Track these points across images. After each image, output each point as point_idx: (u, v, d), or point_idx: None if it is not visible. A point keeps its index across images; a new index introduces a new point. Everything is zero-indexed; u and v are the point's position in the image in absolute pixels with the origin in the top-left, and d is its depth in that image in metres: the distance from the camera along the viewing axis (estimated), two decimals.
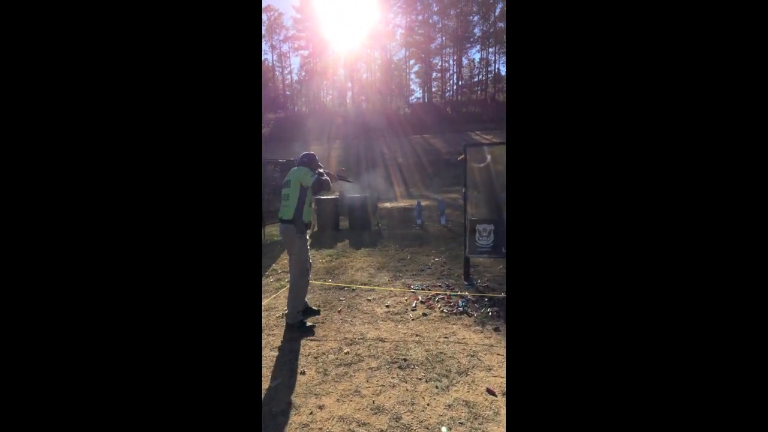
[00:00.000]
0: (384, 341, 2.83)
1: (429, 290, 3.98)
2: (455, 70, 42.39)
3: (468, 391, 2.15)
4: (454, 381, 2.26)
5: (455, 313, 3.34)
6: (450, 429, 1.85)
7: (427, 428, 1.86)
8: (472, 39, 40.60)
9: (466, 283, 4.23)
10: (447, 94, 43.17)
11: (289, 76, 47.14)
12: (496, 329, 2.98)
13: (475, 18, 40.01)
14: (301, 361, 2.58)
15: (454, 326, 3.07)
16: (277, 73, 45.78)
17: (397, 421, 1.92)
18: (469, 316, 3.28)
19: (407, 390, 2.18)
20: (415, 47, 42.33)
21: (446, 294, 3.82)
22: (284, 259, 5.21)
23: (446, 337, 2.87)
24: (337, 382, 2.30)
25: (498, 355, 2.57)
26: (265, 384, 2.31)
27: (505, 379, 2.24)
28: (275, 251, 6.05)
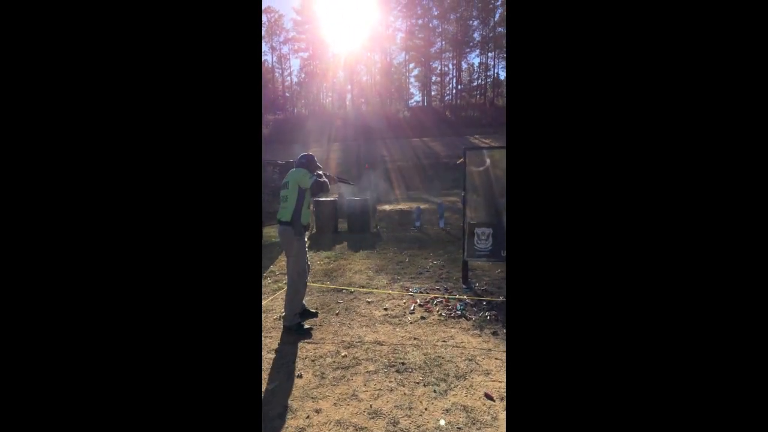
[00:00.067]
0: (382, 344, 2.82)
1: (427, 293, 3.97)
2: (455, 74, 42.56)
3: (466, 396, 2.14)
4: (452, 385, 2.25)
5: (453, 317, 3.32)
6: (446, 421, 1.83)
7: None
8: (471, 43, 40.78)
9: (464, 286, 4.22)
10: (446, 97, 43.31)
11: (288, 78, 47.23)
12: (494, 333, 2.97)
13: (475, 23, 40.21)
14: (298, 364, 2.56)
15: (453, 330, 3.06)
16: (276, 74, 45.83)
17: (394, 425, 1.90)
18: (468, 319, 3.27)
19: (405, 394, 2.17)
20: (415, 51, 42.47)
21: (444, 297, 3.81)
22: (282, 261, 5.19)
23: (444, 341, 2.85)
24: (334, 385, 2.28)
25: (496, 359, 2.55)
26: (262, 387, 2.29)
27: (503, 384, 2.23)
28: (273, 253, 6.03)
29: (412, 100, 44.93)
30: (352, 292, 4.08)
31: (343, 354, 2.67)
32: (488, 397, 2.12)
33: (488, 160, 4.31)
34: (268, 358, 2.64)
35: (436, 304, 3.63)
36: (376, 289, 4.19)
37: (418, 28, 42.15)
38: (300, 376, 2.39)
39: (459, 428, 1.87)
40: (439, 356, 2.60)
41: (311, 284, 4.17)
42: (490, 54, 40.14)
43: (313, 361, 2.59)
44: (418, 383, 2.28)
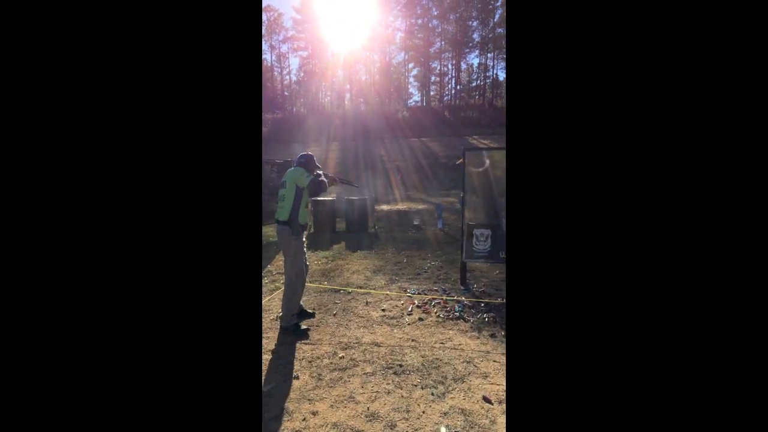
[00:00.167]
0: (379, 346, 2.80)
1: (425, 295, 3.95)
2: (454, 74, 42.63)
3: (464, 399, 2.12)
4: (450, 388, 2.23)
5: (451, 319, 3.31)
6: (447, 428, 1.82)
7: None
8: (471, 44, 40.86)
9: (462, 288, 4.21)
10: (445, 98, 43.37)
11: (287, 77, 47.20)
12: (493, 335, 2.96)
13: (475, 23, 40.30)
14: (295, 365, 2.53)
15: (451, 332, 3.05)
16: (275, 73, 45.77)
17: (392, 429, 1.88)
18: (466, 321, 3.25)
19: (402, 397, 2.15)
20: (415, 51, 42.51)
21: (443, 299, 3.80)
22: (280, 261, 5.16)
23: (442, 343, 2.84)
24: (331, 387, 2.26)
25: (494, 362, 2.54)
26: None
27: (501, 387, 2.22)
28: (271, 252, 6.01)
29: (411, 100, 45.00)
30: (349, 293, 4.06)
31: (340, 355, 2.65)
32: (486, 400, 2.10)
33: (487, 161, 4.30)
34: (264, 359, 2.62)
35: (434, 306, 3.61)
36: (374, 289, 4.17)
37: (417, 28, 42.21)
38: (297, 378, 2.37)
39: None
40: (437, 358, 2.59)
41: (309, 284, 4.15)
42: (489, 55, 40.24)
43: (310, 362, 2.57)
44: (415, 386, 2.26)
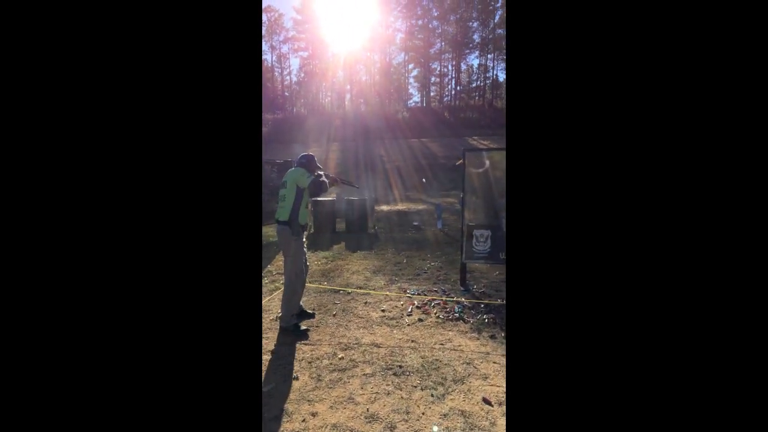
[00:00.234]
0: (379, 347, 2.79)
1: (425, 295, 3.95)
2: (454, 75, 42.64)
3: (464, 400, 2.11)
4: (450, 389, 2.22)
5: (451, 319, 3.30)
6: (440, 426, 1.81)
7: None
8: (471, 45, 40.87)
9: (462, 288, 4.21)
10: (445, 98, 43.37)
11: (288, 77, 47.18)
12: (493, 337, 2.95)
13: (475, 24, 40.31)
14: (295, 365, 2.53)
15: (450, 333, 3.04)
16: (276, 73, 45.76)
17: (391, 430, 1.87)
18: (465, 322, 3.25)
19: (402, 398, 2.14)
20: (415, 51, 42.52)
21: (442, 299, 3.79)
22: (279, 261, 5.15)
23: (442, 344, 2.83)
24: (330, 388, 2.25)
25: (494, 363, 2.53)
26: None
27: (501, 389, 2.21)
28: (271, 252, 6.00)
29: (411, 101, 45.00)
30: (349, 293, 4.05)
31: (340, 356, 2.64)
32: (486, 401, 2.10)
33: (487, 162, 4.29)
34: (264, 359, 2.61)
35: (433, 306, 3.61)
36: (374, 290, 4.16)
37: (417, 29, 42.22)
38: (296, 378, 2.36)
39: None
40: (436, 359, 2.58)
41: (308, 285, 4.15)
42: (489, 56, 40.25)
43: (309, 363, 2.56)
44: (415, 387, 2.25)
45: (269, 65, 44.72)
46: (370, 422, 1.94)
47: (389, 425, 1.91)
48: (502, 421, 1.92)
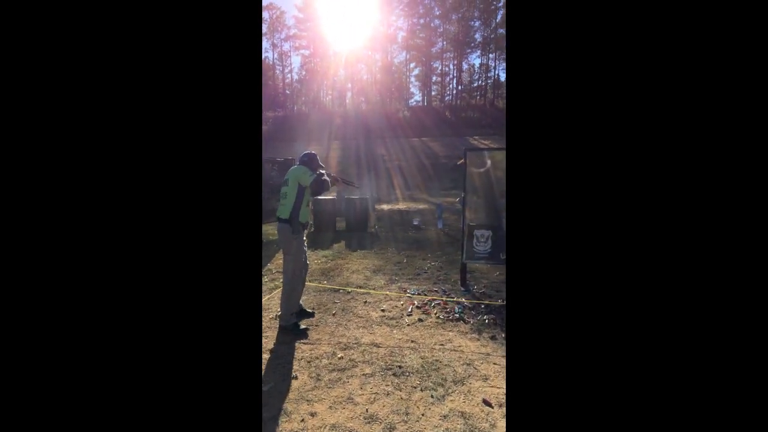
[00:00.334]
0: (379, 347, 2.78)
1: (425, 295, 3.93)
2: (455, 74, 42.56)
3: (464, 402, 2.10)
4: (450, 390, 2.21)
5: (451, 320, 3.29)
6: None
7: None
8: (472, 44, 40.78)
9: (462, 289, 4.19)
10: (446, 98, 43.30)
11: (289, 75, 47.12)
12: (493, 338, 2.94)
13: (477, 23, 40.23)
14: (294, 365, 2.52)
15: (450, 333, 3.03)
16: (277, 71, 45.70)
17: (390, 431, 1.86)
18: (466, 323, 3.24)
19: (402, 399, 2.13)
20: (416, 50, 42.44)
21: (443, 300, 3.78)
22: (279, 259, 5.14)
23: (442, 345, 2.82)
24: (330, 388, 2.24)
25: (495, 364, 2.52)
26: None
27: (501, 390, 2.20)
28: (270, 251, 5.99)
29: (412, 100, 44.94)
30: (349, 293, 4.04)
31: (339, 356, 2.63)
32: (487, 403, 2.08)
33: (489, 162, 4.27)
34: (263, 358, 2.60)
35: (434, 307, 3.59)
36: (374, 289, 4.15)
37: (419, 28, 42.14)
38: (295, 378, 2.35)
39: None
40: (436, 360, 2.57)
41: (308, 283, 4.13)
42: (491, 55, 40.17)
43: (309, 362, 2.55)
44: (415, 387, 2.24)
45: (271, 63, 44.67)
46: (369, 423, 1.92)
47: (389, 426, 1.89)
48: (502, 423, 1.91)
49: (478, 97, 41.41)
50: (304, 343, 2.83)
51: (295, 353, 2.68)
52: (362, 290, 4.12)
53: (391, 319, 3.32)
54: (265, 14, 43.48)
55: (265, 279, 4.55)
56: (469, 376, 2.37)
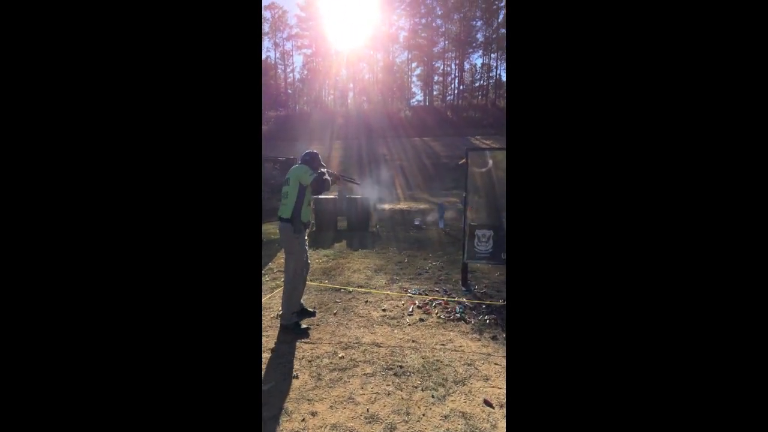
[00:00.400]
0: (380, 346, 2.78)
1: (426, 295, 3.93)
2: (457, 74, 42.52)
3: (465, 402, 2.10)
4: (451, 390, 2.21)
5: (452, 320, 3.28)
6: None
7: None
8: (474, 44, 40.74)
9: (463, 288, 4.19)
10: (448, 97, 43.26)
11: (291, 75, 47.13)
12: (494, 338, 2.93)
13: (479, 23, 40.18)
14: (295, 364, 2.51)
15: (451, 333, 3.02)
16: (279, 70, 45.73)
17: (391, 431, 1.86)
18: (467, 323, 3.23)
19: (402, 398, 2.13)
20: (418, 50, 42.41)
21: (444, 299, 3.77)
22: (281, 258, 5.14)
23: (443, 344, 2.82)
24: (330, 387, 2.24)
25: (496, 364, 2.51)
26: None
27: (502, 390, 2.19)
28: (272, 250, 5.99)
29: (414, 100, 44.90)
30: (350, 292, 4.04)
31: (340, 355, 2.63)
32: (487, 403, 2.08)
33: (491, 161, 4.27)
34: (264, 357, 2.60)
35: (435, 306, 3.59)
36: (375, 289, 4.15)
37: (421, 27, 42.10)
38: (296, 377, 2.35)
39: None
40: (437, 360, 2.56)
41: (309, 283, 4.13)
42: (492, 55, 40.12)
43: (309, 361, 2.55)
44: (416, 387, 2.24)
45: (273, 62, 44.70)
46: (370, 423, 1.92)
47: (389, 426, 1.89)
48: (503, 424, 1.90)
49: (479, 97, 41.35)
50: (305, 343, 2.83)
51: (296, 352, 2.68)
52: (363, 290, 4.12)
53: (392, 318, 3.31)
54: (267, 13, 43.52)
55: (266, 278, 4.56)
56: (470, 376, 2.37)
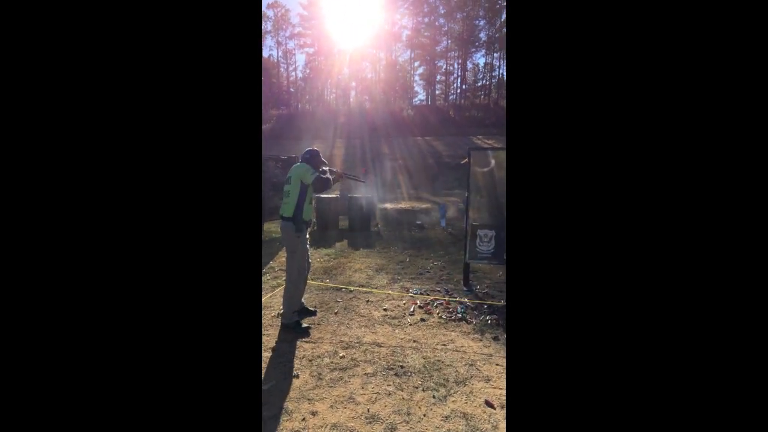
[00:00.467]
0: (381, 346, 2.77)
1: (427, 295, 3.92)
2: (459, 73, 42.43)
3: (466, 403, 2.09)
4: (452, 391, 2.20)
5: (454, 320, 3.27)
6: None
7: None
8: (477, 43, 40.62)
9: (465, 288, 4.17)
10: (450, 97, 43.16)
11: (293, 73, 47.13)
12: (495, 338, 2.92)
13: (481, 23, 40.06)
14: (295, 363, 2.51)
15: (453, 333, 3.01)
16: (282, 69, 45.73)
17: (392, 431, 1.85)
18: (468, 323, 3.22)
19: (403, 399, 2.12)
20: (421, 49, 42.32)
21: (445, 299, 3.76)
22: (282, 257, 5.14)
23: (444, 345, 2.81)
24: (331, 387, 2.23)
25: (497, 365, 2.50)
26: None
27: (504, 391, 2.18)
28: (273, 248, 5.99)
29: (416, 99, 44.83)
30: (351, 291, 4.03)
31: (341, 355, 2.62)
32: (489, 404, 2.07)
33: (493, 161, 4.25)
34: (265, 356, 2.60)
35: (436, 306, 3.58)
36: (376, 288, 4.14)
37: (424, 26, 42.01)
38: (297, 376, 2.34)
39: None
40: (438, 360, 2.55)
41: (311, 282, 4.13)
42: (495, 54, 39.99)
43: (310, 361, 2.54)
44: (417, 388, 2.23)
45: (275, 61, 44.70)
46: (370, 423, 1.91)
47: (390, 426, 1.88)
48: (504, 425, 1.89)
49: (482, 97, 41.26)
50: (306, 342, 2.82)
51: (297, 352, 2.67)
52: (364, 289, 4.11)
53: (394, 318, 3.31)
54: (269, 12, 43.53)
55: (267, 277, 4.55)
56: (472, 376, 2.36)
